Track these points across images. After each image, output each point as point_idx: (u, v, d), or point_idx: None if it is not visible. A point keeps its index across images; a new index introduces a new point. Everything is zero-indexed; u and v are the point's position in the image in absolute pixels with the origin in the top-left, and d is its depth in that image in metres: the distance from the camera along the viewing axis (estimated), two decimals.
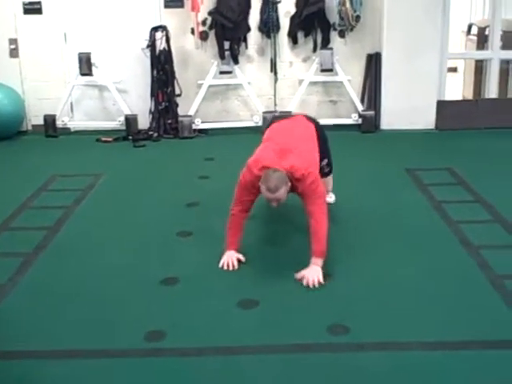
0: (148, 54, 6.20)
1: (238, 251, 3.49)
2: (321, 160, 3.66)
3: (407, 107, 6.33)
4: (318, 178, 3.40)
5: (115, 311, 3.05)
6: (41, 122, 6.48)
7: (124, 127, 6.34)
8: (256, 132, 6.34)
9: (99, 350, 2.74)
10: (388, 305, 3.06)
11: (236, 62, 6.30)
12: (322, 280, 3.23)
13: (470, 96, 7.33)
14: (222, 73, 6.32)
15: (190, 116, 6.30)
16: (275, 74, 6.40)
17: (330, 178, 4.20)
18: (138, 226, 4.10)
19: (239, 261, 3.46)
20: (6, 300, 3.17)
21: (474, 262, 3.47)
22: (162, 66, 6.21)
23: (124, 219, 4.22)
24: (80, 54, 6.24)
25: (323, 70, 6.28)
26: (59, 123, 6.45)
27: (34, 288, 3.30)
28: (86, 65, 6.24)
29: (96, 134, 6.36)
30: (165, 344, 2.76)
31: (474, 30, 7.70)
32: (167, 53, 6.20)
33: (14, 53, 6.48)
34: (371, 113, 6.32)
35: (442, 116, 6.40)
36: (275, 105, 6.54)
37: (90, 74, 6.30)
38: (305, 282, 3.24)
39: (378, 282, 3.29)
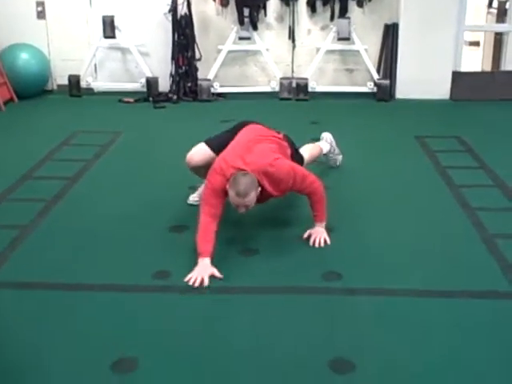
0: (170, 18, 6.35)
1: (212, 260, 3.06)
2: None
3: (423, 77, 6.41)
4: (289, 164, 3.30)
5: (126, 252, 3.28)
6: (65, 82, 6.71)
7: (145, 89, 6.54)
8: (272, 97, 6.55)
9: (110, 284, 2.98)
10: (381, 256, 3.23)
11: (255, 28, 6.44)
12: (328, 239, 3.34)
13: (488, 69, 7.39)
14: (241, 39, 6.48)
15: (208, 80, 6.47)
16: (293, 41, 6.54)
17: (306, 149, 4.09)
18: (151, 179, 4.32)
19: (213, 276, 3.00)
20: (28, 238, 3.43)
21: (469, 222, 3.62)
22: (183, 31, 6.37)
23: (139, 173, 4.44)
24: (104, 17, 6.43)
25: (340, 39, 6.39)
26: (83, 83, 6.67)
27: (53, 229, 3.55)
28: (109, 27, 6.44)
29: (118, 95, 6.57)
30: (170, 282, 2.99)
31: (495, 4, 7.73)
32: (188, 18, 6.35)
33: (41, 15, 6.70)
34: (386, 82, 6.43)
35: (457, 87, 6.49)
36: (292, 72, 6.68)
37: (113, 36, 6.49)
38: (311, 241, 3.33)
39: (375, 236, 3.47)
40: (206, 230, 3.09)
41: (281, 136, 3.63)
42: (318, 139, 5.26)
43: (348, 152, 4.71)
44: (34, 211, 3.75)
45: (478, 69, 7.71)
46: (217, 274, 3.01)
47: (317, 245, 3.31)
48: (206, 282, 2.94)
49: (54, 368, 2.38)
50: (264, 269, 3.12)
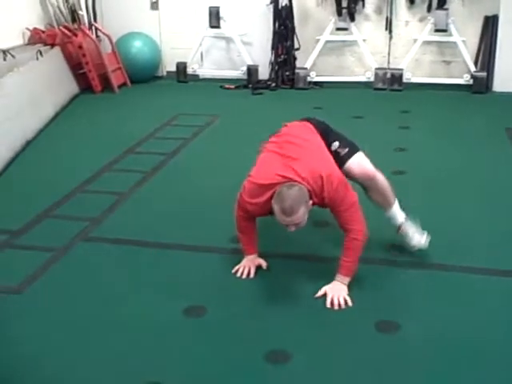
0: (271, 9, 6.69)
1: (259, 255, 3.06)
2: (330, 144, 2.97)
3: None
4: (343, 179, 2.78)
5: (209, 218, 3.64)
6: (174, 68, 7.23)
7: (246, 76, 6.92)
8: (367, 87, 6.71)
9: (190, 245, 3.35)
10: (448, 234, 3.37)
11: (352, 19, 6.63)
12: (348, 300, 2.75)
13: None
14: (338, 29, 6.69)
15: (305, 69, 6.74)
16: (390, 32, 6.66)
17: (356, 160, 2.99)
18: (242, 157, 4.63)
19: (260, 267, 3.03)
20: (125, 203, 3.89)
21: None
22: (283, 21, 6.68)
23: (231, 151, 4.81)
24: (210, 7, 6.87)
25: (437, 30, 6.44)
26: (189, 70, 7.17)
27: (147, 196, 4.00)
28: (215, 18, 6.87)
29: (221, 82, 7.01)
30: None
31: None
32: (289, 9, 6.65)
33: (154, 6, 7.26)
34: (483, 74, 6.41)
35: None
36: (388, 63, 6.80)
37: (218, 26, 6.92)
38: (328, 301, 2.74)
39: (446, 216, 3.59)
40: (244, 230, 3.00)
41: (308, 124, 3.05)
42: (406, 127, 5.42)
43: (433, 138, 4.90)
44: (133, 181, 4.21)
45: None
46: (264, 264, 3.03)
47: (336, 306, 2.72)
48: (253, 273, 2.99)
49: (133, 311, 2.78)
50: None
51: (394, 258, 3.15)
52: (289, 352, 2.45)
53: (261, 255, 3.09)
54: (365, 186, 3.06)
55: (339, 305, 2.72)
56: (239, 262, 3.13)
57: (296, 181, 2.66)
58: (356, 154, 3.01)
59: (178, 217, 3.69)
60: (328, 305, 2.72)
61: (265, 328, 2.62)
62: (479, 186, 4.10)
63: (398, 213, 3.14)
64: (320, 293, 2.79)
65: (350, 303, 2.73)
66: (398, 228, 3.15)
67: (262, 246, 3.11)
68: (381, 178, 3.04)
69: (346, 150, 2.99)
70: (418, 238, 3.11)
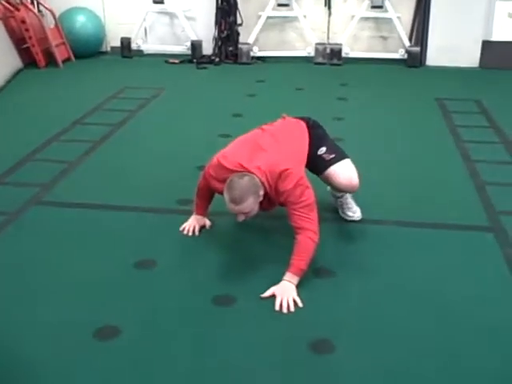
0: None
1: (206, 216, 3.25)
2: (317, 149, 3.06)
3: (453, 45, 6.69)
4: (302, 178, 2.79)
5: (155, 183, 3.81)
6: (118, 44, 7.29)
7: (190, 51, 7.05)
8: (308, 62, 6.95)
9: (139, 207, 3.52)
10: (376, 193, 3.65)
11: None
12: (298, 300, 2.63)
13: None
14: (279, 5, 6.87)
15: (248, 44, 6.92)
16: (329, 8, 6.89)
17: (341, 167, 3.08)
18: (187, 127, 4.83)
19: (204, 227, 3.23)
20: (75, 170, 4.02)
21: (466, 170, 4.01)
22: None
23: (176, 122, 4.97)
24: None
25: (374, 7, 6.72)
26: (134, 46, 7.22)
27: (96, 163, 4.14)
28: None
29: (165, 57, 7.11)
30: (192, 207, 3.49)
31: None
32: None
33: None
34: (417, 49, 6.73)
35: (486, 55, 6.73)
36: (328, 38, 7.04)
37: (161, 2, 7.01)
38: (277, 305, 2.61)
39: (373, 176, 3.81)
40: (203, 200, 3.18)
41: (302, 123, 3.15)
42: (344, 98, 5.70)
43: (369, 109, 5.22)
44: (81, 150, 4.33)
45: None
46: (208, 224, 3.23)
47: (284, 310, 2.59)
48: (197, 232, 3.19)
49: (86, 267, 2.95)
50: None
51: (332, 216, 3.41)
52: (233, 296, 2.67)
53: (210, 214, 3.29)
54: (338, 190, 3.19)
55: (288, 307, 2.59)
56: (185, 221, 3.33)
57: (252, 172, 2.73)
58: (343, 161, 3.09)
59: (126, 182, 3.85)
60: (277, 308, 2.59)
61: (211, 275, 2.84)
62: (409, 146, 4.45)
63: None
64: (267, 293, 2.67)
65: (299, 304, 2.62)
66: (337, 198, 3.37)
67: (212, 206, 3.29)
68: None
69: (332, 156, 3.07)
70: (353, 210, 3.33)
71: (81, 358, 2.32)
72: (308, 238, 2.72)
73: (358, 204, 3.38)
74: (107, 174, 3.98)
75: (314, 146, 3.05)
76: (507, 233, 3.22)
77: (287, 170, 2.75)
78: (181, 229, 3.24)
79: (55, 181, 3.83)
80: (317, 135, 3.12)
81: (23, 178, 3.88)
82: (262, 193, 2.74)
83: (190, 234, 3.20)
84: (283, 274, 2.70)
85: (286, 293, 2.64)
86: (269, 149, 2.86)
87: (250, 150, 2.86)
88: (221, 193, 2.84)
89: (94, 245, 3.12)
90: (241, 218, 2.77)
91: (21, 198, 3.59)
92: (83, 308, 2.61)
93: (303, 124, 3.14)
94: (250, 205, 2.70)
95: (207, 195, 3.17)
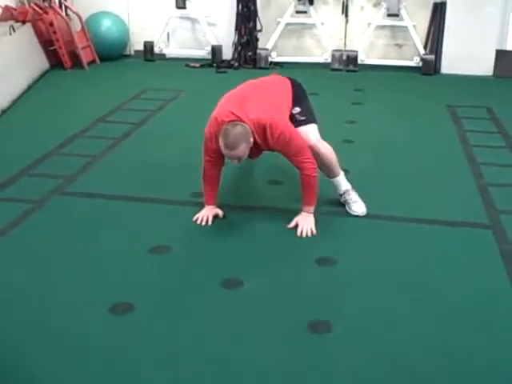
0: None
1: (217, 205, 3.43)
2: (293, 107, 3.34)
3: (467, 53, 6.85)
4: (287, 126, 3.16)
5: (173, 178, 4.02)
6: (141, 47, 7.55)
7: (210, 56, 7.28)
8: (325, 68, 7.13)
9: (156, 198, 3.73)
10: (384, 191, 3.84)
11: (311, 3, 7.03)
12: (314, 229, 3.24)
13: None
14: (298, 12, 7.09)
15: (267, 49, 7.13)
16: (346, 16, 7.09)
17: (305, 129, 3.34)
18: (202, 127, 4.98)
19: (217, 216, 3.39)
20: (98, 164, 4.25)
21: (471, 172, 4.15)
22: (246, 3, 7.05)
23: (194, 122, 5.08)
24: None
25: (390, 15, 6.90)
26: (156, 49, 7.49)
27: (119, 158, 4.37)
28: None
29: (186, 61, 7.36)
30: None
31: None
32: None
33: None
34: (431, 57, 6.89)
35: (500, 64, 6.87)
36: (345, 45, 7.24)
37: (184, 7, 7.26)
38: (298, 232, 3.23)
39: (382, 176, 4.05)
40: (209, 182, 3.37)
41: (288, 81, 3.50)
42: (358, 103, 5.87)
43: (381, 113, 5.41)
44: (103, 146, 4.56)
45: None
46: (220, 213, 3.39)
47: (304, 235, 3.21)
48: (210, 221, 3.35)
49: (105, 250, 3.16)
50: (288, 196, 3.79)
51: (336, 209, 3.59)
52: (241, 279, 2.86)
53: (220, 206, 3.49)
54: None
55: (307, 233, 3.20)
56: (199, 212, 3.52)
57: (242, 120, 3.06)
58: (309, 125, 3.36)
59: (145, 176, 4.06)
60: (298, 234, 3.21)
61: (221, 259, 3.04)
62: (417, 149, 4.61)
63: (342, 182, 3.55)
64: (292, 224, 3.27)
65: (315, 232, 3.23)
66: (341, 195, 3.57)
67: (221, 199, 3.52)
68: (323, 150, 3.36)
69: (303, 118, 3.34)
70: (357, 206, 3.51)
71: (97, 332, 2.51)
72: (308, 176, 3.19)
73: (366, 200, 3.55)
74: (127, 168, 4.19)
75: (292, 104, 3.35)
76: (505, 230, 3.36)
77: (273, 119, 3.10)
78: (194, 219, 3.41)
79: (78, 173, 4.05)
80: (297, 95, 3.42)
81: (48, 170, 4.11)
82: (252, 140, 3.08)
83: (203, 223, 3.37)
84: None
85: (306, 222, 3.24)
86: (256, 100, 3.18)
87: (239, 102, 3.18)
88: (219, 152, 3.15)
89: (112, 232, 3.33)
90: (234, 162, 3.15)
91: (46, 188, 3.81)
92: (100, 287, 2.80)
93: (289, 82, 3.48)
94: (243, 150, 3.04)
95: (214, 178, 3.37)
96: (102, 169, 4.17)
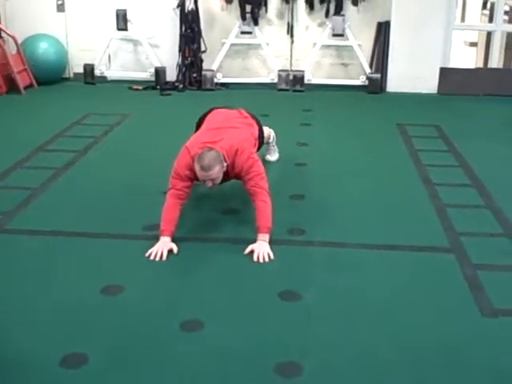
0: (178, 13, 6.89)
1: (173, 238, 3.31)
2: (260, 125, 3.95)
3: (412, 72, 6.88)
4: (253, 154, 3.48)
5: (121, 209, 3.81)
6: (81, 70, 7.28)
7: (154, 78, 7.08)
8: (271, 88, 7.05)
9: (106, 233, 3.50)
10: (341, 216, 3.73)
11: (256, 23, 6.95)
12: (271, 253, 3.22)
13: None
14: (243, 33, 6.99)
15: (212, 70, 6.99)
16: (291, 36, 7.04)
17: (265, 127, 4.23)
18: (150, 153, 4.84)
19: (171, 251, 3.26)
20: (40, 197, 3.98)
21: (427, 193, 4.10)
22: (190, 25, 6.89)
23: (140, 148, 4.98)
24: (118, 10, 6.98)
25: (335, 35, 6.89)
26: (97, 72, 7.23)
27: (62, 190, 4.12)
28: (122, 20, 6.99)
29: (129, 83, 7.13)
30: (157, 233, 3.49)
31: (489, 5, 8.18)
32: (195, 13, 6.87)
33: (60, 7, 7.28)
34: (377, 75, 6.90)
35: (444, 82, 6.94)
36: (291, 65, 7.17)
37: (125, 29, 7.05)
38: (255, 256, 3.19)
39: (338, 201, 3.96)
40: (171, 211, 3.31)
41: (247, 116, 3.92)
42: (307, 124, 5.80)
43: (332, 133, 5.34)
44: (44, 177, 4.29)
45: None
46: (175, 249, 3.25)
47: (261, 260, 3.17)
48: (165, 256, 3.20)
49: (52, 296, 2.91)
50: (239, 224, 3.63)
51: (294, 239, 3.45)
52: (201, 320, 2.67)
53: (175, 239, 3.31)
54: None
55: (264, 258, 3.19)
56: (151, 246, 3.33)
57: (216, 148, 3.30)
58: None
59: (91, 209, 3.83)
60: (255, 259, 3.19)
61: (179, 299, 2.85)
62: (370, 170, 4.55)
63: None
64: (247, 250, 3.25)
65: (272, 256, 3.20)
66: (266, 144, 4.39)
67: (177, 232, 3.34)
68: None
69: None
70: (272, 156, 4.57)
71: None
72: (263, 202, 3.32)
73: (322, 227, 3.50)
74: (71, 200, 3.95)
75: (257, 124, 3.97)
76: (467, 253, 3.30)
77: (242, 147, 3.41)
78: (147, 254, 3.24)
79: (18, 208, 3.79)
80: (255, 117, 4.01)
81: None
82: (225, 164, 3.31)
83: (157, 258, 3.21)
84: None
85: (261, 248, 3.23)
86: (224, 137, 3.45)
87: (210, 136, 3.47)
88: (192, 177, 3.34)
89: (60, 272, 3.09)
90: (209, 184, 3.31)
91: None
92: (49, 338, 2.57)
93: (244, 111, 3.97)
94: (217, 172, 3.26)
95: (176, 207, 3.34)
96: (43, 202, 3.91)
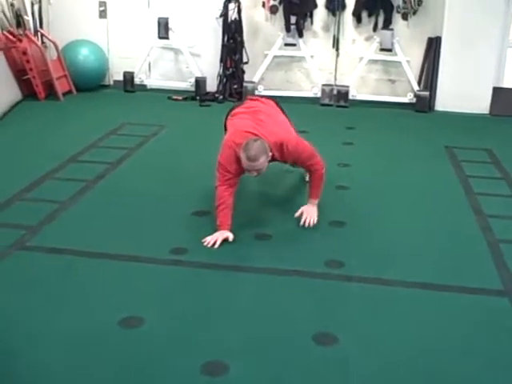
0: (220, 22, 6.71)
1: (230, 230, 3.41)
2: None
3: (463, 91, 6.54)
4: (298, 139, 3.57)
5: (152, 229, 3.60)
6: (121, 77, 7.16)
7: (194, 88, 6.90)
8: (314, 103, 6.79)
9: (132, 256, 3.29)
10: (385, 249, 3.45)
11: (301, 35, 6.71)
12: (315, 221, 3.60)
13: None
14: (286, 45, 6.76)
15: (253, 82, 6.78)
16: (337, 49, 6.77)
17: None
18: (186, 169, 4.63)
19: (226, 240, 3.37)
20: (67, 212, 3.81)
21: (478, 225, 3.78)
22: (233, 35, 6.70)
23: (174, 162, 4.78)
24: (159, 18, 6.83)
25: (382, 49, 6.60)
26: (137, 80, 7.10)
27: (90, 205, 3.94)
28: (164, 29, 6.85)
29: (168, 93, 6.97)
30: (186, 258, 3.28)
31: None
32: (238, 23, 6.69)
33: (102, 14, 7.18)
34: (426, 93, 6.58)
35: (496, 102, 6.58)
36: (335, 79, 6.91)
37: (167, 37, 6.90)
38: (302, 221, 3.58)
39: (384, 232, 3.67)
40: (224, 204, 3.39)
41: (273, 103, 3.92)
42: (350, 143, 5.53)
43: (375, 154, 5.09)
44: (74, 190, 4.12)
45: None
46: (230, 237, 3.35)
47: (306, 225, 3.56)
48: (218, 244, 3.31)
49: (68, 323, 2.71)
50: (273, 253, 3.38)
51: (332, 272, 3.18)
52: (225, 363, 2.43)
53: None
54: None
55: (309, 224, 3.57)
56: (179, 273, 3.14)
57: (260, 138, 3.32)
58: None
59: (118, 226, 3.64)
60: (301, 223, 3.58)
61: (203, 337, 2.60)
62: (418, 197, 4.24)
63: None
64: (298, 212, 3.63)
65: (316, 222, 3.60)
66: None
67: (205, 255, 3.13)
68: None
69: None
70: None
71: None
72: (316, 171, 3.59)
73: (368, 263, 3.29)
74: (98, 217, 3.76)
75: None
76: None
77: (287, 137, 3.49)
78: (203, 240, 3.35)
79: (43, 223, 3.61)
80: (282, 108, 3.96)
81: (9, 219, 3.66)
82: (270, 154, 3.34)
83: (209, 245, 3.32)
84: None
85: (310, 213, 3.62)
86: (267, 122, 3.52)
87: (251, 124, 3.47)
88: (238, 170, 3.41)
89: (77, 298, 2.88)
90: (253, 174, 3.37)
91: (4, 241, 3.37)
92: (59, 377, 2.36)
93: (271, 101, 3.95)
94: (263, 162, 3.29)
95: (230, 197, 3.41)
96: (70, 218, 3.73)
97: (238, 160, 3.35)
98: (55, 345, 2.52)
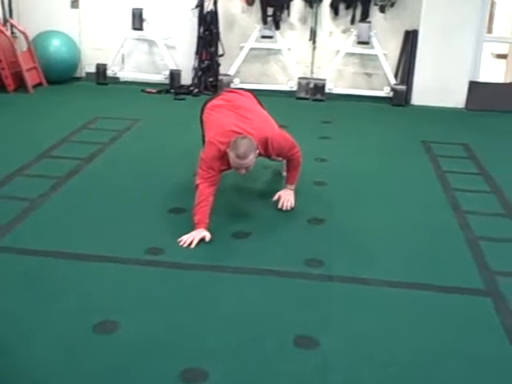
0: (196, 14, 6.59)
1: (208, 229, 3.34)
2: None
3: (439, 85, 6.53)
4: (280, 133, 3.59)
5: (125, 228, 3.50)
6: (93, 70, 7.00)
7: (168, 81, 6.77)
8: (290, 96, 6.72)
9: (106, 256, 3.19)
10: (363, 247, 3.40)
11: (278, 27, 6.62)
12: (293, 204, 3.74)
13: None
14: (263, 37, 6.67)
15: (229, 75, 6.68)
16: (314, 42, 6.70)
17: None
18: (159, 163, 4.53)
19: (203, 239, 3.30)
20: (38, 210, 3.68)
21: (457, 222, 3.75)
22: (208, 27, 6.59)
23: (149, 157, 4.67)
24: (134, 9, 6.69)
25: (360, 43, 6.55)
26: (110, 72, 6.94)
27: (61, 203, 3.81)
28: (138, 20, 6.70)
29: (142, 86, 6.84)
30: (162, 258, 3.19)
31: None
32: (214, 14, 6.57)
33: (74, 4, 7.00)
34: (402, 87, 6.55)
35: (472, 96, 6.57)
36: (312, 72, 6.84)
37: (141, 28, 6.75)
38: (280, 204, 3.71)
39: (361, 229, 3.62)
40: (204, 201, 3.33)
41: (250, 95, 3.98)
42: (327, 137, 5.47)
43: (353, 148, 5.03)
44: (46, 186, 3.99)
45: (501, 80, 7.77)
46: (207, 237, 3.28)
47: (284, 208, 3.70)
48: (194, 244, 3.25)
49: (40, 328, 2.60)
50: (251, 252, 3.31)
51: (312, 272, 3.12)
52: (205, 369, 2.35)
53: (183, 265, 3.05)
54: None
55: (286, 207, 3.71)
56: (155, 274, 3.05)
57: (247, 136, 3.33)
58: None
59: (90, 225, 3.53)
60: (279, 206, 3.72)
61: (180, 344, 2.52)
62: (395, 193, 4.21)
63: None
64: (276, 196, 3.76)
65: (292, 205, 3.74)
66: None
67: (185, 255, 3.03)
68: None
69: None
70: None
71: None
72: (295, 159, 3.69)
73: (344, 260, 3.21)
74: (69, 216, 3.64)
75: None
76: (505, 297, 2.95)
77: (272, 136, 3.49)
78: (178, 240, 3.28)
79: (12, 223, 3.48)
80: (258, 100, 3.99)
81: None
82: (258, 151, 3.36)
83: (186, 245, 3.24)
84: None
85: (287, 196, 3.76)
86: (252, 118, 3.53)
87: (235, 121, 3.46)
88: (223, 167, 3.41)
89: (49, 303, 2.77)
90: (242, 172, 3.37)
91: None
92: (35, 374, 2.26)
93: (249, 94, 4.00)
94: (251, 160, 3.31)
95: (210, 195, 3.36)
96: (41, 217, 3.60)
97: (221, 157, 3.35)
98: (26, 351, 2.42)
